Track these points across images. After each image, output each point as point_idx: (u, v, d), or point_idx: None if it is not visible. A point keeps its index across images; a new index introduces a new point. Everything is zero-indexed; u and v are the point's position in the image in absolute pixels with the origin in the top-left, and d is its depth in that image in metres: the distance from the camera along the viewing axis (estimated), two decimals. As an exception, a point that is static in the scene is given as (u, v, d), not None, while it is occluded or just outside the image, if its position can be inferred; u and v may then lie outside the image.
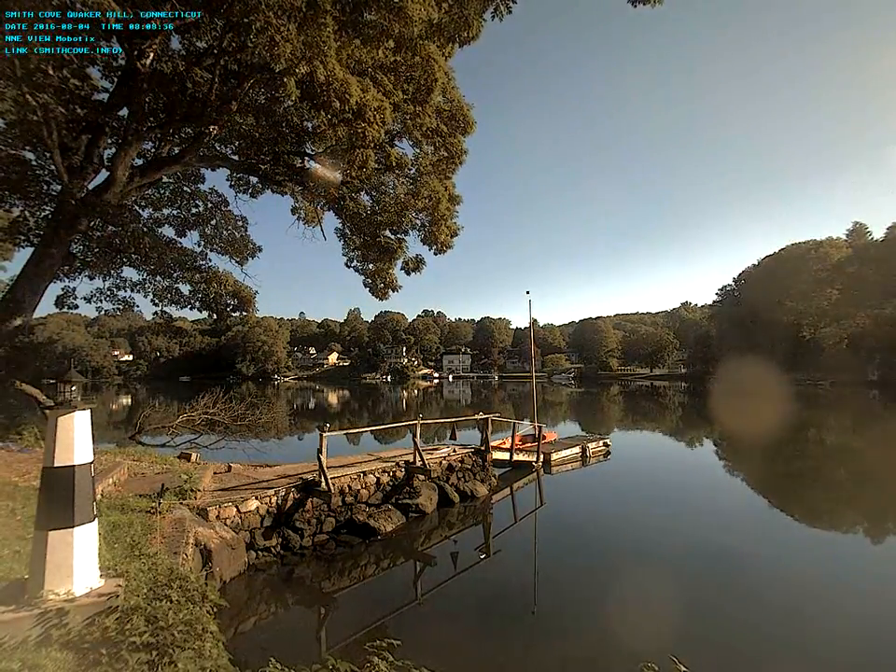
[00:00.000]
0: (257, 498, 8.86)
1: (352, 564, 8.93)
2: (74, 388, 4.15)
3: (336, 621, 7.17)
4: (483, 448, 14.29)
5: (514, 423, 16.37)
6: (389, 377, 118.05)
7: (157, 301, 14.30)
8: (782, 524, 10.39)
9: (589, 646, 5.83)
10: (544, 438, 17.30)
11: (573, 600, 7.09)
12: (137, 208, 13.36)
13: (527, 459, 16.03)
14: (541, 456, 16.17)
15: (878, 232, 75.31)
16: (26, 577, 3.86)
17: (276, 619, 7.11)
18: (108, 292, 13.74)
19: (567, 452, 17.65)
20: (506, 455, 15.47)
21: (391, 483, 11.25)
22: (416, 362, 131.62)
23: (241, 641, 6.13)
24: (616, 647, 5.69)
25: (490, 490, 13.46)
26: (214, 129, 9.83)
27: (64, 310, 13.61)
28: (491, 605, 7.16)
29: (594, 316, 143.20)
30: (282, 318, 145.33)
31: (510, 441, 15.88)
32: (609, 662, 5.40)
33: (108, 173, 9.59)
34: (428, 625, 6.70)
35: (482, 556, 9.46)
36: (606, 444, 19.29)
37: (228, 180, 13.59)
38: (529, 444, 16.99)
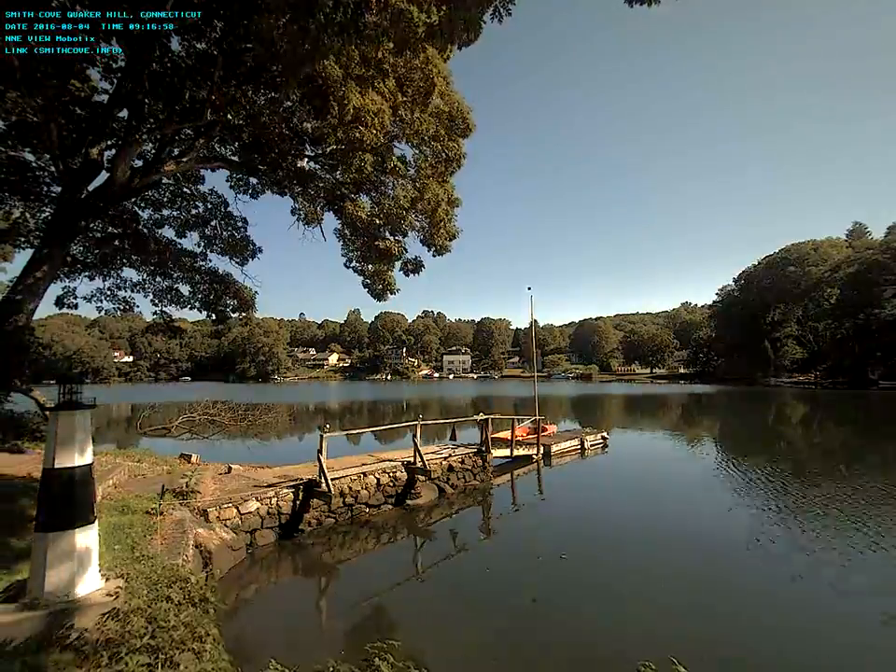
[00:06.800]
0: (257, 499, 8.86)
1: (353, 538, 9.09)
2: (74, 390, 4.16)
3: (337, 593, 7.30)
4: (483, 448, 14.33)
5: (514, 419, 16.54)
6: (390, 377, 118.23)
7: (157, 302, 14.31)
8: (780, 516, 10.36)
9: (589, 637, 5.81)
10: (544, 430, 17.52)
11: (573, 589, 7.08)
12: (137, 209, 13.35)
13: (528, 453, 16.15)
14: (542, 448, 16.37)
15: (878, 232, 75.52)
16: (27, 578, 3.86)
17: (277, 588, 7.26)
18: (108, 292, 13.75)
19: (567, 444, 17.96)
20: (506, 452, 15.54)
21: (391, 484, 11.25)
22: (417, 363, 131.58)
23: (241, 618, 6.20)
24: (616, 640, 5.69)
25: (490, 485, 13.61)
26: (213, 130, 9.85)
27: (64, 310, 13.60)
28: (491, 587, 7.17)
29: (594, 317, 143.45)
30: (282, 319, 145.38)
31: (510, 434, 15.99)
32: (610, 654, 5.39)
33: (108, 174, 9.58)
34: (429, 604, 6.75)
35: (482, 536, 9.51)
36: (603, 437, 19.65)
37: (227, 181, 13.57)
38: (531, 437, 17.13)
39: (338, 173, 11.76)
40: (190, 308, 14.57)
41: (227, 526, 8.12)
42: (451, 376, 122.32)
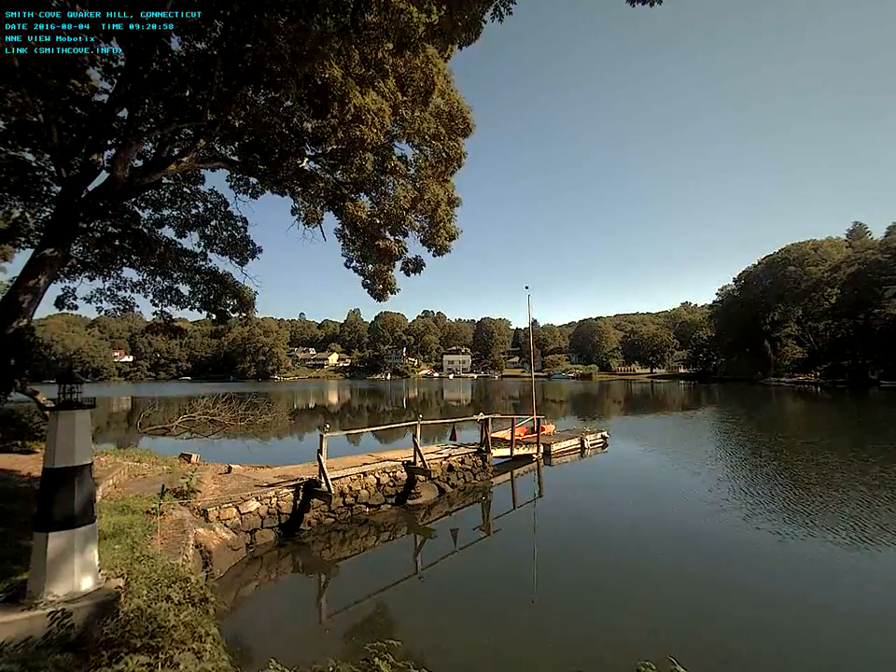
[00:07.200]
0: (257, 499, 8.86)
1: (353, 535, 9.15)
2: (74, 389, 4.16)
3: (337, 592, 7.32)
4: (483, 448, 14.33)
5: (513, 418, 16.56)
6: (390, 377, 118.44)
7: (157, 302, 14.31)
8: (780, 515, 10.35)
9: (588, 639, 5.80)
10: (542, 430, 17.55)
11: (572, 590, 7.07)
12: (137, 209, 13.35)
13: (528, 452, 16.17)
14: (541, 447, 16.41)
15: (878, 232, 75.58)
16: (27, 578, 3.86)
17: (277, 587, 7.29)
18: (108, 292, 13.76)
19: (566, 443, 17.97)
20: (506, 452, 15.56)
21: (391, 484, 11.25)
22: (417, 362, 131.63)
23: (241, 618, 6.21)
24: (616, 640, 5.68)
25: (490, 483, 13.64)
26: (213, 130, 9.84)
27: (64, 310, 13.60)
28: (491, 588, 7.16)
29: (594, 317, 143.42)
30: (282, 319, 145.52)
31: (510, 433, 16.02)
32: (609, 656, 5.39)
33: (108, 174, 9.58)
34: (429, 603, 6.76)
35: (482, 535, 9.55)
36: (603, 437, 19.68)
37: (228, 181, 13.58)
38: (530, 436, 17.18)
39: (338, 173, 11.77)
40: (190, 308, 14.58)
41: (227, 526, 8.12)
42: (451, 376, 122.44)
